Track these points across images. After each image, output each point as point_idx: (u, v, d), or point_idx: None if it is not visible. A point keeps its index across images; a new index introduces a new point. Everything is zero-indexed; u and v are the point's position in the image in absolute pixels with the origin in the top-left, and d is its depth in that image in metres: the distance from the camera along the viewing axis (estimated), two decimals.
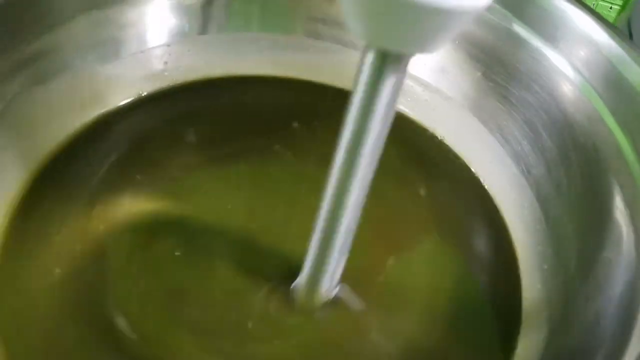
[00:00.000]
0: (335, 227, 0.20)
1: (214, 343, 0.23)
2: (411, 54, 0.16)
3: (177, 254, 0.25)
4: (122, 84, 0.31)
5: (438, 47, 0.15)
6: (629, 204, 0.24)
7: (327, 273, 0.22)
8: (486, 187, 0.30)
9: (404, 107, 0.33)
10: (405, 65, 0.16)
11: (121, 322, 0.23)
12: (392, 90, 0.17)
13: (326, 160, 0.19)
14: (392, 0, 0.14)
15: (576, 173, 0.27)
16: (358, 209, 0.20)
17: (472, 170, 0.31)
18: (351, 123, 0.18)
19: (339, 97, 0.27)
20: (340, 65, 0.33)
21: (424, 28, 0.15)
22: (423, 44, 0.15)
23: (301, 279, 0.23)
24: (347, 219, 0.20)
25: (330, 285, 0.23)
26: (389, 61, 0.16)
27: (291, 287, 0.24)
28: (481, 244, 0.28)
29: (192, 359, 0.23)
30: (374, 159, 0.19)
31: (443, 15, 0.14)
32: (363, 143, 0.18)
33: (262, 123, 0.31)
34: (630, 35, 0.36)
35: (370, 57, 0.16)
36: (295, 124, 0.31)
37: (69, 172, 0.28)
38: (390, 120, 0.18)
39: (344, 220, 0.20)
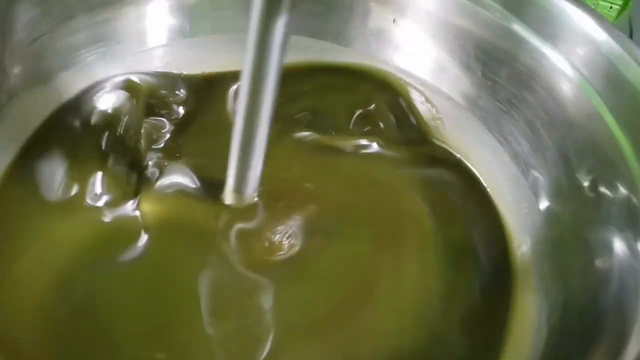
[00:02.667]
0: (250, 141, 0.24)
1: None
2: None
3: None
4: (122, 84, 0.31)
5: None
6: (629, 204, 0.24)
7: (248, 179, 0.25)
8: (486, 186, 0.30)
9: (404, 107, 0.33)
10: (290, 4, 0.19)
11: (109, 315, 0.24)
12: (282, 25, 0.20)
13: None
14: None
15: (575, 172, 0.27)
16: (267, 124, 0.23)
17: (472, 170, 0.31)
18: (250, 54, 0.21)
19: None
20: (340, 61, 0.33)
21: None
22: None
23: (227, 187, 0.26)
24: (259, 133, 0.23)
25: (251, 189, 0.26)
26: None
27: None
28: (480, 243, 0.28)
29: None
30: (275, 82, 0.22)
31: None
32: (264, 73, 0.21)
33: None
34: (631, 34, 0.36)
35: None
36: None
37: (68, 171, 0.28)
38: (284, 51, 0.21)
39: (256, 135, 0.23)
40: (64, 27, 0.29)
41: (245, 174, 0.25)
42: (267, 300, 0.25)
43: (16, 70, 0.28)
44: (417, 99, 0.33)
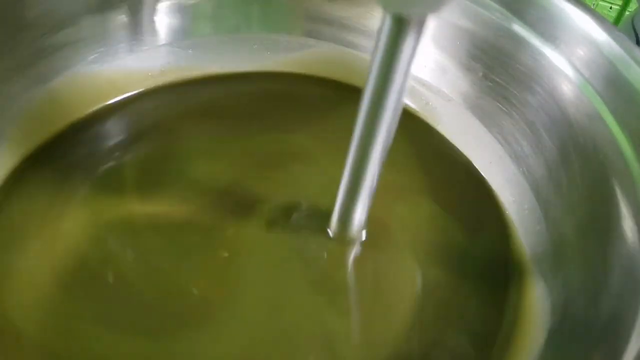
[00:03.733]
0: (361, 175, 0.23)
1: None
2: (422, 15, 0.18)
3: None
4: (123, 84, 0.31)
5: (445, 6, 0.18)
6: (629, 204, 0.24)
7: (355, 213, 0.25)
8: (486, 187, 0.30)
9: (405, 107, 0.33)
10: (420, 27, 0.19)
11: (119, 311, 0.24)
12: (409, 49, 0.19)
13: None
14: None
15: (576, 173, 0.27)
16: (382, 157, 0.23)
17: (472, 170, 0.31)
18: (373, 82, 0.20)
19: (340, 90, 0.28)
20: (342, 62, 0.33)
21: None
22: (430, 5, 0.18)
23: (333, 220, 0.25)
24: (371, 167, 0.23)
25: (358, 225, 0.25)
26: (405, 24, 0.18)
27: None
28: (480, 244, 0.28)
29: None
30: (396, 114, 0.21)
31: None
32: (384, 100, 0.20)
33: (263, 120, 0.31)
34: (636, 36, 0.35)
35: (388, 22, 0.19)
36: (297, 120, 0.31)
37: (67, 169, 0.28)
38: (408, 77, 0.20)
39: (368, 169, 0.23)
40: (64, 26, 0.29)
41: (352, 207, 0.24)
42: None
43: (16, 69, 0.28)
44: (417, 99, 0.33)
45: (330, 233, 0.26)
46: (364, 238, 0.26)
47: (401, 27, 0.18)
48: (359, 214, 0.25)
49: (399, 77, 0.20)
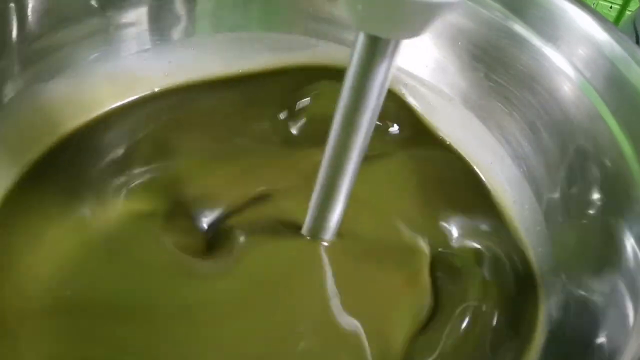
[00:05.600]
0: (334, 186, 0.23)
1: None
2: (397, 39, 0.18)
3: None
4: (123, 83, 0.31)
5: (422, 32, 0.17)
6: (630, 204, 0.24)
7: (327, 223, 0.24)
8: (487, 187, 0.30)
9: (405, 107, 0.33)
10: (394, 48, 0.18)
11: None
12: (382, 70, 0.19)
13: None
14: None
15: (576, 173, 0.27)
16: (354, 172, 0.22)
17: (473, 170, 0.31)
18: (346, 99, 0.20)
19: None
20: (342, 62, 0.33)
21: (406, 16, 0.17)
22: (407, 30, 0.17)
23: (305, 227, 0.25)
24: (344, 181, 0.22)
25: (330, 233, 0.25)
26: (379, 45, 0.18)
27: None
28: (480, 244, 0.28)
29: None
30: (369, 132, 0.21)
31: (424, 6, 0.16)
32: (356, 122, 0.20)
33: (264, 120, 0.31)
34: (637, 39, 0.35)
35: (361, 40, 0.18)
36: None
37: (67, 169, 0.28)
38: (382, 98, 0.20)
39: (342, 182, 0.22)
40: (65, 25, 0.29)
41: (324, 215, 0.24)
42: None
43: (17, 69, 0.28)
44: (418, 99, 0.33)
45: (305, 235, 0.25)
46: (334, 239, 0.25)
47: (376, 47, 0.18)
48: (333, 219, 0.24)
49: (372, 96, 0.19)
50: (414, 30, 0.17)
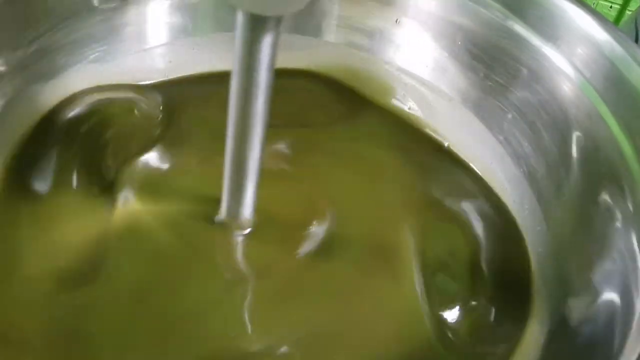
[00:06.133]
0: (242, 164, 0.23)
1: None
2: (276, 15, 0.18)
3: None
4: (125, 83, 0.31)
5: (298, 7, 0.17)
6: (630, 204, 0.24)
7: (243, 202, 0.24)
8: (487, 187, 0.30)
9: (405, 107, 0.33)
10: (275, 25, 0.18)
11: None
12: (267, 46, 0.19)
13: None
14: None
15: (576, 173, 0.27)
16: (259, 147, 0.22)
17: (473, 170, 0.31)
18: (236, 78, 0.20)
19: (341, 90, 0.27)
20: (343, 62, 0.33)
21: None
22: (282, 6, 0.17)
23: (221, 210, 0.25)
24: (250, 156, 0.22)
25: (247, 213, 0.25)
26: (259, 21, 0.18)
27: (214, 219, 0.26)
28: (480, 244, 0.28)
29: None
30: (265, 105, 0.21)
31: None
32: (250, 97, 0.20)
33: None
34: (637, 38, 0.35)
35: (240, 18, 0.18)
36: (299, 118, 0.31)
37: (67, 168, 0.28)
38: (271, 72, 0.20)
39: (247, 159, 0.23)
40: (65, 25, 0.29)
41: (239, 195, 0.24)
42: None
43: (17, 69, 0.28)
44: (418, 99, 0.33)
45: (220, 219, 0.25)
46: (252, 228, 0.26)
47: (257, 24, 0.18)
48: (247, 201, 0.24)
49: (262, 74, 0.20)
50: (295, 4, 0.17)
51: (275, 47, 0.19)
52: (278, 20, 0.18)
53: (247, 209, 0.25)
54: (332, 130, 0.31)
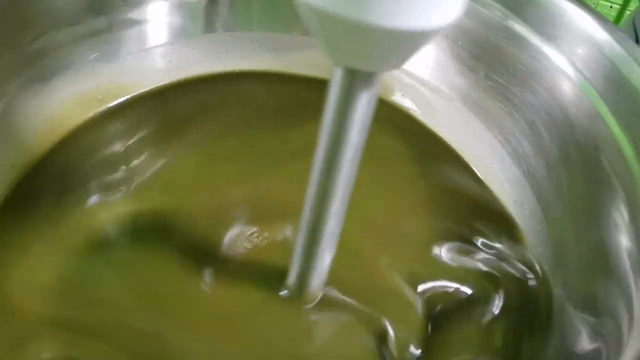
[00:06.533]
0: (319, 231, 0.20)
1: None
2: (377, 72, 0.16)
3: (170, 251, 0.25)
4: (125, 83, 0.31)
5: (402, 63, 0.16)
6: (630, 204, 0.24)
7: (313, 272, 0.22)
8: (487, 187, 0.30)
9: (406, 107, 0.33)
10: (376, 81, 0.17)
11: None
12: (363, 105, 0.17)
13: None
14: (349, 22, 0.14)
15: (576, 173, 0.27)
16: (341, 214, 0.20)
17: (473, 170, 0.31)
18: (326, 137, 0.18)
19: None
20: None
21: (385, 48, 0.15)
22: (387, 63, 0.16)
23: (289, 280, 0.23)
24: (329, 224, 0.20)
25: (318, 284, 0.23)
26: (358, 77, 0.16)
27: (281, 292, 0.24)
28: (480, 245, 0.28)
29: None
30: (353, 169, 0.19)
31: (400, 36, 0.14)
32: (339, 158, 0.18)
33: (265, 120, 0.31)
34: (636, 38, 0.35)
35: (339, 74, 0.17)
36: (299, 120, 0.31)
37: (67, 168, 0.28)
38: (365, 133, 0.18)
39: (327, 226, 0.20)
40: (65, 25, 0.29)
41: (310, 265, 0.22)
42: None
43: (17, 69, 0.28)
44: (418, 99, 0.33)
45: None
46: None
47: (354, 80, 0.16)
48: (318, 274, 0.22)
49: (353, 135, 0.18)
50: (398, 62, 0.16)
51: (370, 106, 0.17)
52: (375, 79, 0.17)
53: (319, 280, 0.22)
54: None
